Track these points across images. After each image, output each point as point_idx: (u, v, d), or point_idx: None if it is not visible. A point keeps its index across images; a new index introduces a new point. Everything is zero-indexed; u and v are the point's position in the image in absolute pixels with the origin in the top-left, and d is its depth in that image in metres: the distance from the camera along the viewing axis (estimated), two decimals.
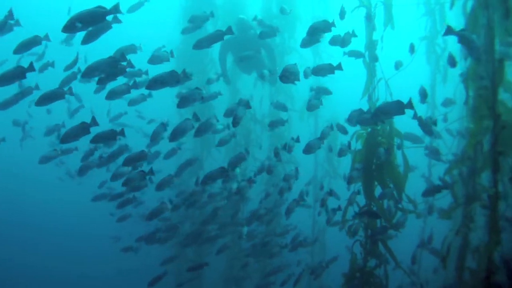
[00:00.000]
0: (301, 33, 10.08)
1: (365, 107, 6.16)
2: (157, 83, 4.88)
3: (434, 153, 6.57)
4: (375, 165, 6.12)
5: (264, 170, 6.89)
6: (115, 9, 4.67)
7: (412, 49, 6.01)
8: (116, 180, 6.40)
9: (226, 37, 7.00)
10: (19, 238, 16.18)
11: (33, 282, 14.05)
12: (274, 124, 6.99)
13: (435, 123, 5.70)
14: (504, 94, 5.37)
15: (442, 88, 8.29)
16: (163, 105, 8.48)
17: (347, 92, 7.00)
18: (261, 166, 6.98)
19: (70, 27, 4.51)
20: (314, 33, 5.40)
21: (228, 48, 9.29)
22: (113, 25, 4.88)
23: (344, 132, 6.35)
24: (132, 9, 7.76)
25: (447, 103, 7.20)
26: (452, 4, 6.05)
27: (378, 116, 5.10)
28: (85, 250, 15.53)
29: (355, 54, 6.36)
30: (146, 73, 6.39)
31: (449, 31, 4.77)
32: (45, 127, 8.00)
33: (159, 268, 8.52)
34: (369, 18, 6.18)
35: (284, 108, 7.39)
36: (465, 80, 5.56)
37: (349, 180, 6.09)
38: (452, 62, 5.41)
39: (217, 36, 5.61)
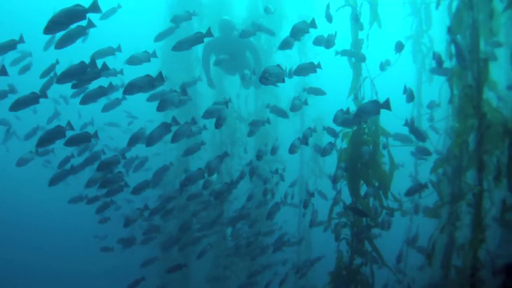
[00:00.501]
0: (287, 32, 10.09)
1: (352, 106, 6.20)
2: (134, 87, 4.79)
3: (423, 153, 6.56)
4: (361, 163, 6.13)
5: (246, 174, 6.83)
6: (94, 8, 4.61)
7: (400, 47, 6.00)
8: (91, 186, 6.33)
9: (209, 38, 6.92)
10: (11, 237, 16.10)
11: (26, 281, 14.02)
12: (255, 124, 6.92)
13: (413, 123, 5.75)
14: (488, 93, 5.46)
15: (428, 87, 8.35)
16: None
17: (334, 91, 7.00)
18: (243, 171, 6.89)
19: (51, 28, 4.44)
20: (297, 34, 5.34)
21: (211, 50, 8.89)
22: (101, 24, 4.83)
23: (334, 135, 6.30)
24: (105, 16, 7.62)
25: (432, 105, 7.23)
26: (438, 4, 6.09)
27: (360, 116, 5.16)
28: (75, 247, 15.50)
29: (348, 54, 6.34)
30: (121, 72, 6.35)
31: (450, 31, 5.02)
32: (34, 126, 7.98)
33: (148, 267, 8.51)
34: (355, 19, 6.17)
35: (283, 113, 7.12)
36: (449, 78, 5.61)
37: (334, 180, 6.10)
38: (439, 62, 5.42)
39: (197, 38, 5.50)
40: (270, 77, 4.71)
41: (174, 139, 5.38)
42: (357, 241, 6.10)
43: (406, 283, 7.07)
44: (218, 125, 5.48)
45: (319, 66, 5.52)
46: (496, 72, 5.81)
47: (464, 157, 5.55)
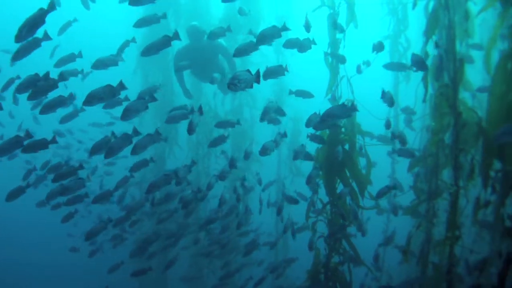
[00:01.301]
0: None
1: (328, 106, 6.23)
2: (94, 98, 4.67)
3: (406, 155, 6.50)
4: (337, 162, 6.13)
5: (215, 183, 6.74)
6: (51, 7, 4.57)
7: (380, 47, 5.99)
8: (52, 199, 6.21)
9: (179, 47, 6.69)
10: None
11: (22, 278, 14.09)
12: (221, 125, 6.84)
13: (389, 125, 5.78)
14: (463, 93, 5.56)
15: (405, 86, 8.45)
16: None
17: (311, 90, 6.99)
18: (210, 182, 6.75)
19: (21, 36, 4.50)
20: (263, 41, 5.22)
21: (183, 59, 8.33)
22: (80, 23, 4.81)
23: (321, 142, 6.23)
24: (62, 30, 7.62)
25: (407, 110, 7.24)
26: (414, 4, 6.16)
27: (325, 121, 5.09)
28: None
29: (335, 56, 6.29)
30: (82, 72, 6.34)
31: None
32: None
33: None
34: (333, 24, 6.16)
35: (277, 121, 6.89)
36: (424, 78, 5.68)
37: (308, 181, 6.07)
38: (421, 66, 5.26)
39: (164, 42, 5.45)
40: (239, 83, 4.55)
41: (133, 152, 5.21)
42: (334, 240, 6.12)
43: (385, 280, 7.14)
44: (190, 132, 5.38)
45: (286, 69, 5.44)
46: (472, 73, 5.96)
47: (441, 155, 5.64)
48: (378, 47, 5.96)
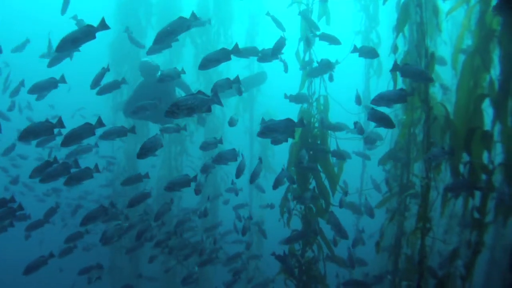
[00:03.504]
0: (236, 30, 10.11)
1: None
2: (30, 134, 4.60)
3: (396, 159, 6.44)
4: (309, 158, 6.13)
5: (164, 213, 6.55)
6: None
7: (373, 53, 5.83)
8: None
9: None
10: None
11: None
12: (167, 131, 6.75)
13: (362, 131, 5.82)
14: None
15: (376, 81, 8.52)
16: None
17: (282, 88, 6.98)
18: (160, 210, 6.42)
19: None
20: (207, 66, 4.90)
21: (139, 99, 7.17)
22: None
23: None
24: (17, 49, 7.96)
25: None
26: (385, 0, 6.22)
27: (265, 134, 4.61)
28: None
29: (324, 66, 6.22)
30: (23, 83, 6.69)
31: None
32: None
33: None
34: (307, 42, 6.15)
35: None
36: (393, 71, 5.71)
37: (275, 185, 5.83)
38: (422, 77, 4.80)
39: (102, 74, 5.76)
40: (178, 110, 4.03)
41: (66, 183, 5.13)
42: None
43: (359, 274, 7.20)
44: (140, 156, 4.75)
45: (237, 81, 5.16)
46: (442, 68, 6.09)
47: (412, 149, 5.74)
48: (371, 53, 5.76)
